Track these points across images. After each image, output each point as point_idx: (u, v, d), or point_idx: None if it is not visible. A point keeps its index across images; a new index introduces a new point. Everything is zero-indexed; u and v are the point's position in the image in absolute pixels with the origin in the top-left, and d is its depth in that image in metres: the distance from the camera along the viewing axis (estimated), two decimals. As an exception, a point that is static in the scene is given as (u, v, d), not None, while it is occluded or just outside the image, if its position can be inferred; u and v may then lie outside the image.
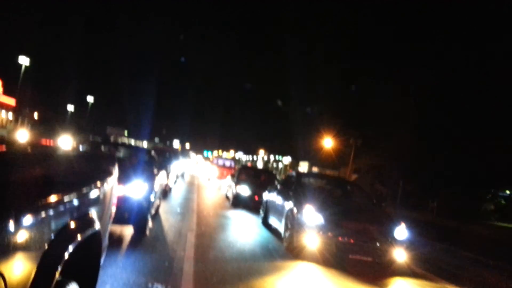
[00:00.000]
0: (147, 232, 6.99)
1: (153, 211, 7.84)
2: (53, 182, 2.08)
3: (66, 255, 1.90)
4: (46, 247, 1.74)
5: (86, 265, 2.62)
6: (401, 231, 7.34)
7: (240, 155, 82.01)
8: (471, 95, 24.63)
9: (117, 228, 6.72)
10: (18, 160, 1.92)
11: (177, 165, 18.98)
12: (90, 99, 52.13)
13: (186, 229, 8.06)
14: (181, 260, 5.64)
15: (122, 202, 6.04)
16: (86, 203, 2.40)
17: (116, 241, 6.16)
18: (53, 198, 1.90)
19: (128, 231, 6.75)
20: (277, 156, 64.75)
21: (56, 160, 2.40)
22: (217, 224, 9.61)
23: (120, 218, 6.14)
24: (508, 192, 30.27)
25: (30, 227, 1.60)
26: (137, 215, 6.45)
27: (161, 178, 9.28)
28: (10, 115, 40.45)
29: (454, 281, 7.13)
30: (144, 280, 4.51)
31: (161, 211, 9.47)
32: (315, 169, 40.28)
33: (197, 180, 25.81)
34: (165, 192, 11.91)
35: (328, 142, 34.38)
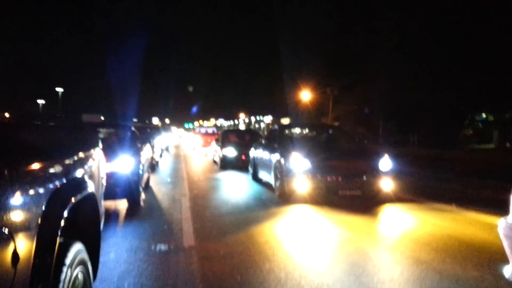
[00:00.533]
0: (142, 203, 7.12)
1: (143, 184, 7.95)
2: (42, 149, 2.16)
3: (65, 215, 1.98)
4: (43, 208, 1.81)
5: (88, 228, 2.72)
6: (385, 163, 7.64)
7: (221, 122, 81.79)
8: (443, 22, 24.75)
9: (111, 204, 6.82)
10: (4, 129, 1.98)
11: (160, 140, 18.95)
12: (59, 89, 50.79)
13: (179, 195, 8.22)
14: (179, 222, 5.82)
15: (112, 178, 6.11)
16: (75, 168, 2.49)
17: (113, 214, 6.28)
18: (43, 162, 1.97)
19: (122, 205, 6.86)
20: (258, 117, 64.82)
21: (43, 131, 2.46)
22: (208, 186, 9.80)
23: (113, 193, 6.25)
24: (484, 115, 31.16)
25: (24, 190, 1.67)
26: (128, 188, 6.55)
27: (146, 152, 9.31)
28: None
29: (439, 199, 7.54)
30: (147, 244, 4.67)
31: (151, 183, 9.58)
32: (297, 123, 40.58)
33: (183, 151, 25.85)
34: (153, 166, 11.96)
35: (306, 95, 34.51)
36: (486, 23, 22.84)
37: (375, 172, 7.44)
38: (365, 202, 7.16)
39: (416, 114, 27.24)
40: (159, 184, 9.92)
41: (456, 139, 28.16)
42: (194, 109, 75.22)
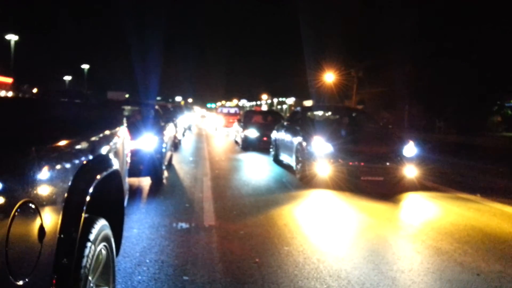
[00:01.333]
0: (164, 181, 7.24)
1: (166, 162, 8.06)
2: (69, 126, 2.20)
3: (90, 191, 2.02)
4: (69, 184, 1.85)
5: (112, 205, 2.78)
6: (410, 149, 7.49)
7: (243, 102, 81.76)
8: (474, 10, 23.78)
9: (135, 181, 6.95)
10: (33, 106, 2.02)
11: (183, 119, 19.12)
12: (85, 66, 51.62)
13: (201, 174, 8.31)
14: (201, 201, 5.90)
15: (136, 156, 6.21)
16: (101, 146, 2.52)
17: (136, 191, 6.41)
18: (69, 139, 2.00)
19: (145, 182, 6.98)
20: (280, 98, 64.45)
21: (69, 108, 2.49)
22: (230, 166, 9.86)
23: (136, 171, 6.35)
24: (514, 102, 30.07)
25: (50, 166, 1.70)
26: (151, 166, 6.65)
27: (169, 130, 9.41)
28: (10, 94, 40.38)
29: (464, 189, 7.37)
30: (169, 221, 4.75)
31: (174, 161, 9.70)
32: (320, 106, 40.17)
33: (205, 131, 26.04)
34: (175, 145, 12.11)
35: (330, 77, 34.03)
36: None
37: (398, 158, 7.31)
38: (387, 188, 7.07)
39: (442, 99, 26.50)
40: (181, 162, 10.04)
41: (484, 125, 27.35)
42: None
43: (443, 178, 8.54)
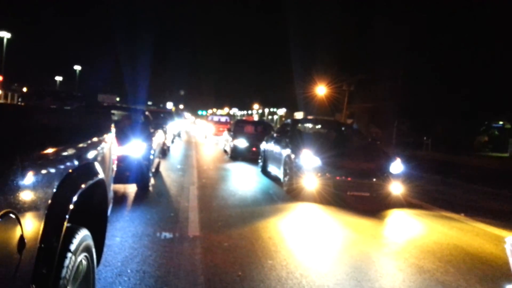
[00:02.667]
0: (150, 188, 7.19)
1: (153, 169, 8.01)
2: (55, 134, 2.19)
3: (74, 200, 2.01)
4: (53, 193, 1.83)
5: (95, 214, 2.76)
6: (397, 166, 7.57)
7: (234, 111, 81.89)
8: (463, 27, 24.27)
9: (121, 187, 6.90)
10: (18, 113, 2.00)
11: (173, 125, 19.06)
12: (77, 67, 51.33)
13: (188, 183, 8.27)
14: (186, 210, 5.86)
15: (123, 162, 6.17)
16: (87, 153, 2.51)
17: (121, 198, 6.35)
18: (55, 147, 1.99)
19: (131, 189, 6.93)
20: (271, 109, 64.71)
21: (55, 115, 2.48)
22: (217, 176, 9.84)
23: (122, 177, 6.29)
24: (501, 122, 30.63)
25: (35, 175, 1.69)
26: (138, 173, 6.61)
27: (158, 137, 9.38)
28: (-1, 92, 39.87)
29: (448, 208, 7.45)
30: (152, 230, 4.72)
31: (161, 168, 9.65)
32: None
33: (194, 139, 25.98)
34: (164, 151, 12.05)
35: (321, 90, 34.31)
36: (507, 28, 22.31)
37: (385, 175, 7.38)
38: (373, 204, 7.12)
39: (431, 117, 26.89)
40: (169, 170, 9.99)
41: (471, 145, 27.76)
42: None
43: (429, 196, 8.63)
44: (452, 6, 25.11)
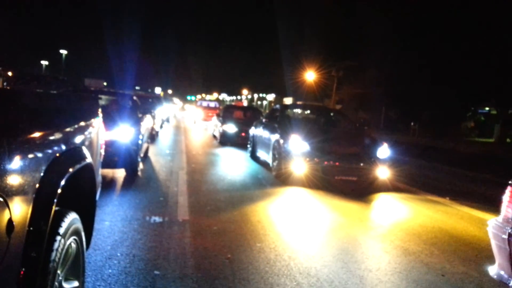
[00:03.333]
0: (139, 173, 7.18)
1: (142, 154, 7.98)
2: (42, 117, 2.17)
3: (61, 184, 2.00)
4: (41, 177, 1.83)
5: (84, 198, 2.75)
6: (384, 151, 7.66)
7: (224, 96, 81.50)
8: (449, 16, 24.34)
9: (109, 172, 6.87)
10: (4, 97, 1.98)
11: (162, 110, 18.92)
12: (63, 52, 50.33)
13: (177, 168, 8.27)
14: (175, 195, 5.88)
15: (111, 146, 6.13)
16: (74, 138, 2.49)
17: (110, 183, 6.33)
18: (42, 131, 1.98)
19: (120, 174, 6.91)
20: (261, 94, 64.54)
21: (41, 99, 2.45)
22: (206, 161, 9.84)
23: (111, 162, 6.27)
24: (487, 108, 31.04)
25: (22, 158, 1.68)
26: (127, 157, 6.57)
27: (146, 122, 9.32)
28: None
29: (434, 192, 7.59)
30: (142, 215, 4.73)
31: (150, 153, 9.62)
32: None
33: (183, 124, 25.85)
34: (152, 136, 11.99)
35: (311, 76, 34.26)
36: (494, 12, 22.44)
37: (372, 159, 7.46)
38: (360, 189, 7.22)
39: (418, 103, 27.12)
40: (157, 155, 9.96)
41: (457, 130, 28.13)
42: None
43: (415, 180, 8.77)
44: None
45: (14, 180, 1.56)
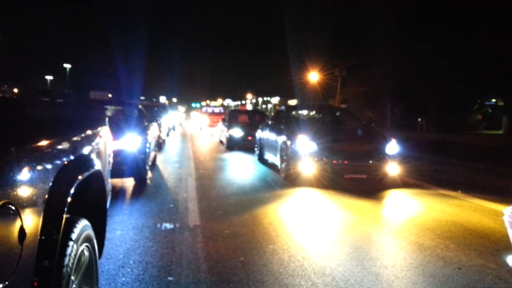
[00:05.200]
0: (148, 181, 7.18)
1: (150, 162, 8.00)
2: (50, 126, 2.17)
3: (71, 192, 1.99)
4: (50, 185, 1.82)
5: (94, 206, 2.75)
6: (392, 147, 7.60)
7: (228, 102, 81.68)
8: (452, 8, 24.21)
9: (118, 182, 6.88)
10: (13, 105, 1.98)
11: (167, 118, 19.00)
12: (67, 65, 50.81)
13: (186, 174, 8.27)
14: (185, 201, 5.87)
15: (118, 156, 6.14)
16: (83, 145, 2.49)
17: (119, 192, 6.34)
18: (51, 139, 1.97)
19: (129, 183, 6.92)
20: (265, 98, 64.58)
21: (51, 108, 2.46)
22: (214, 166, 9.83)
23: (119, 171, 6.28)
24: (494, 100, 30.74)
25: (31, 166, 1.67)
26: (135, 166, 6.58)
27: (153, 130, 9.35)
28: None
29: (445, 186, 7.51)
30: (153, 222, 4.72)
31: (158, 161, 9.63)
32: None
33: (189, 131, 25.91)
34: (159, 145, 12.02)
35: (314, 77, 34.22)
36: (496, 7, 22.29)
37: (381, 156, 7.41)
38: (370, 186, 7.16)
39: (424, 98, 26.92)
40: (165, 163, 9.97)
41: (465, 124, 27.88)
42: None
43: (425, 175, 8.69)
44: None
45: (24, 188, 1.56)
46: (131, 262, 3.47)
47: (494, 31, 22.32)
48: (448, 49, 24.06)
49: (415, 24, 25.55)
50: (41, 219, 1.67)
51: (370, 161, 7.34)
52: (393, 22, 25.35)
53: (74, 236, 1.90)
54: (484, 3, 22.58)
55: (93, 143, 2.73)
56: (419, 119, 26.67)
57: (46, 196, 1.74)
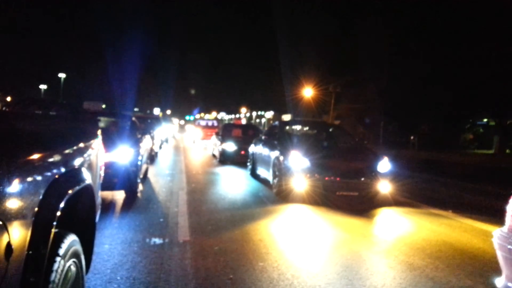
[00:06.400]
0: (139, 194, 7.13)
1: (141, 175, 7.96)
2: (41, 139, 2.16)
3: (61, 206, 1.98)
4: (40, 199, 1.81)
5: (83, 220, 2.72)
6: (384, 165, 7.64)
7: (222, 115, 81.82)
8: (445, 29, 24.67)
9: (109, 194, 6.83)
10: (3, 119, 1.97)
11: (161, 131, 18.96)
12: (62, 75, 50.71)
13: (177, 188, 8.23)
14: (175, 216, 5.83)
15: (110, 168, 6.11)
16: (74, 159, 2.48)
17: (109, 205, 6.28)
18: (41, 152, 1.97)
19: (119, 196, 6.86)
20: (259, 112, 64.79)
21: (42, 121, 2.45)
22: (206, 180, 9.80)
23: (110, 184, 6.23)
24: (485, 120, 31.12)
25: (21, 180, 1.66)
26: (126, 179, 6.55)
27: (146, 143, 9.32)
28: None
29: (436, 205, 7.54)
30: (142, 236, 4.68)
31: (150, 174, 9.59)
32: (298, 120, 40.53)
33: (182, 144, 25.86)
34: (152, 157, 11.97)
35: (308, 92, 34.47)
36: (489, 27, 22.74)
37: (373, 174, 7.44)
38: (362, 204, 7.17)
39: (417, 116, 27.21)
40: (157, 175, 9.92)
41: (456, 143, 28.15)
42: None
43: (416, 194, 8.72)
44: (433, 8, 25.51)
45: (13, 202, 1.55)
46: (118, 278, 3.42)
47: (486, 52, 22.73)
48: (441, 69, 24.42)
49: (409, 44, 25.96)
50: (29, 233, 1.65)
51: (362, 179, 7.36)
52: (388, 41, 25.73)
53: (61, 251, 1.88)
54: (476, 25, 23.02)
55: (85, 156, 2.72)
56: (412, 137, 26.88)
57: (35, 211, 1.73)
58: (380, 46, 26.42)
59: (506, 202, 2.92)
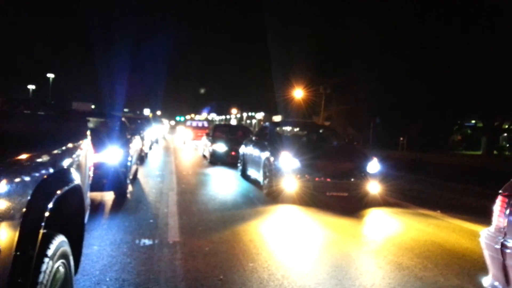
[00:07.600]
0: (128, 195, 7.08)
1: (131, 176, 7.91)
2: (30, 139, 2.14)
3: (49, 207, 1.96)
4: (28, 199, 1.79)
5: (72, 221, 2.70)
6: (374, 166, 7.69)
7: (213, 116, 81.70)
8: (434, 29, 24.92)
9: (98, 195, 6.77)
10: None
11: (151, 131, 18.86)
12: (50, 75, 50.18)
13: (167, 189, 8.19)
14: (165, 216, 5.80)
15: (99, 169, 6.05)
16: (62, 159, 2.46)
17: (98, 206, 6.23)
18: (30, 152, 1.95)
19: (108, 197, 6.81)
20: (250, 113, 64.85)
21: (31, 120, 2.43)
22: (197, 181, 9.77)
23: (99, 185, 6.17)
24: (473, 121, 31.53)
25: (9, 180, 1.64)
26: (115, 180, 6.49)
27: (135, 144, 9.26)
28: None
29: (424, 205, 7.62)
30: (131, 238, 4.65)
31: (139, 175, 9.53)
32: (288, 121, 40.60)
33: (173, 144, 25.76)
34: (142, 158, 11.90)
35: (299, 93, 34.57)
36: (479, 29, 23.05)
37: (363, 175, 7.49)
38: (351, 204, 7.22)
39: (406, 117, 27.46)
40: (147, 176, 9.87)
41: (445, 144, 28.46)
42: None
43: (405, 194, 8.80)
44: (422, 9, 25.79)
45: (0, 203, 1.53)
46: (108, 279, 3.40)
47: (474, 55, 23.01)
48: (428, 71, 24.67)
49: (398, 45, 26.17)
50: (17, 234, 1.63)
51: (352, 179, 7.41)
52: (377, 42, 25.92)
53: (50, 252, 1.86)
54: (465, 27, 23.30)
55: (74, 157, 2.70)
56: (401, 138, 27.12)
57: (24, 211, 1.71)
58: (369, 48, 26.60)
59: (493, 202, 2.96)
